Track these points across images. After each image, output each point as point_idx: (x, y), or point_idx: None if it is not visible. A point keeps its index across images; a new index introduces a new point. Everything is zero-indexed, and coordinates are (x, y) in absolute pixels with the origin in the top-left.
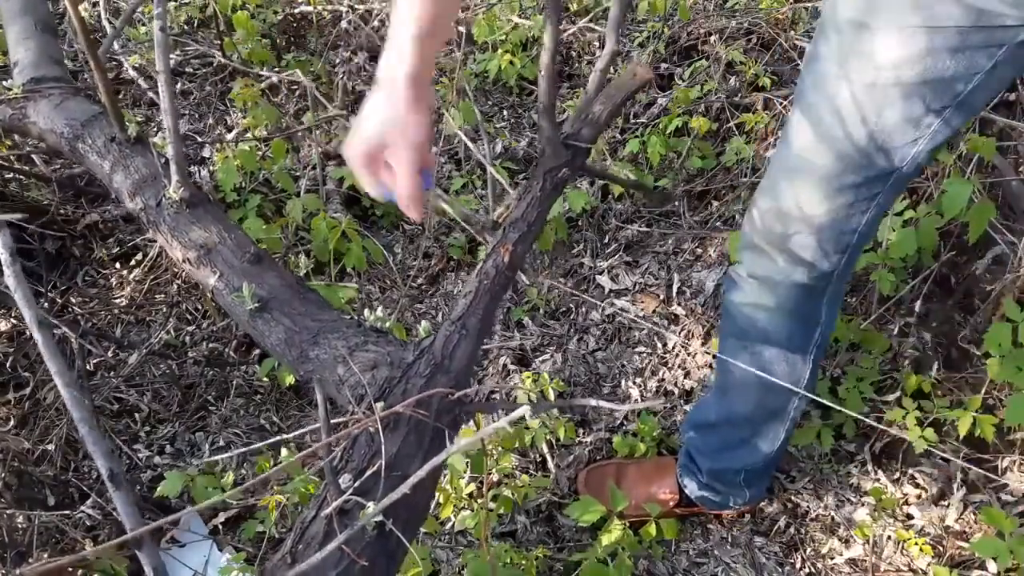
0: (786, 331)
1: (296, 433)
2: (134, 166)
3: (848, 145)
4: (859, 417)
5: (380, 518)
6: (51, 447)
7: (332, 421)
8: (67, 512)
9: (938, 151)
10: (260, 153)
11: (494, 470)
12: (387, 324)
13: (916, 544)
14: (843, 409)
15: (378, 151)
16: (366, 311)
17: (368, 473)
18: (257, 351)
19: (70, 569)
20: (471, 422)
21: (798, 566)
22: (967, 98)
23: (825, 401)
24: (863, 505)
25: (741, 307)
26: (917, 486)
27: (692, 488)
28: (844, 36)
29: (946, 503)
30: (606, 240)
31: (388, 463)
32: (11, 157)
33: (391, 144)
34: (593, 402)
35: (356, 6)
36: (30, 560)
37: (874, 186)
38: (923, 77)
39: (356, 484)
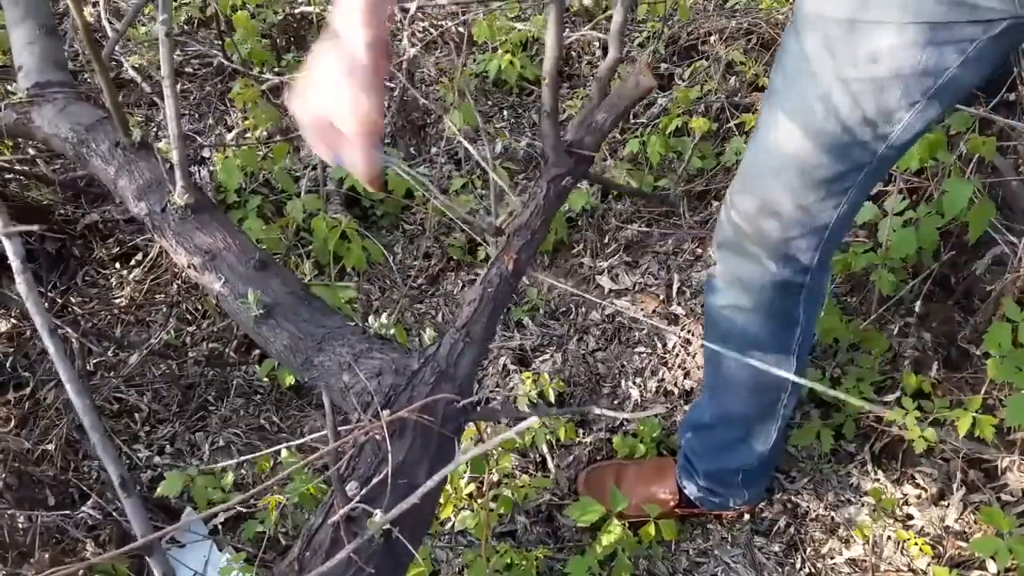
0: (766, 332)
1: (301, 440)
2: (138, 171)
3: (819, 140)
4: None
5: (387, 526)
6: (51, 447)
7: (338, 428)
8: (68, 512)
9: (909, 147)
10: (261, 154)
11: (494, 470)
12: (391, 331)
13: (916, 544)
14: (819, 385)
15: (329, 121)
16: (371, 318)
17: (374, 480)
18: (257, 351)
19: None
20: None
21: (798, 566)
22: (937, 93)
23: (812, 384)
24: (863, 505)
25: (720, 310)
26: (917, 486)
27: (691, 489)
28: (821, 32)
29: (946, 503)
30: (606, 240)
31: (394, 470)
32: (12, 159)
33: (344, 120)
34: (597, 410)
35: None
36: (31, 560)
37: (845, 181)
38: (895, 72)
39: (363, 492)
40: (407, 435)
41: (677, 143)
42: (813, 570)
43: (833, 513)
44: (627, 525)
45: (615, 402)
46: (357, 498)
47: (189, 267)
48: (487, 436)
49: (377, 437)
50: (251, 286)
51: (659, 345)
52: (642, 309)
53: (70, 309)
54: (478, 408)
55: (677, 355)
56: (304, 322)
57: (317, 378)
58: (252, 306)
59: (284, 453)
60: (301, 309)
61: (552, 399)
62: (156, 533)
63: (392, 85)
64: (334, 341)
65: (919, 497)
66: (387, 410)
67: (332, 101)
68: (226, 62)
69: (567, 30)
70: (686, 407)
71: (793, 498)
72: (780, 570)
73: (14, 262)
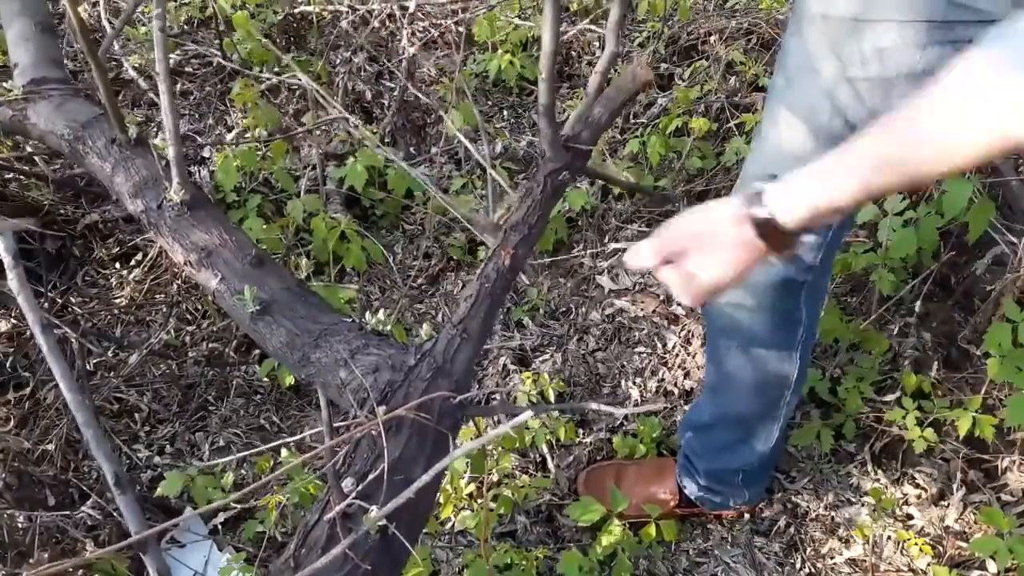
0: (768, 330)
1: (298, 437)
2: (135, 168)
3: (823, 139)
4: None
5: (383, 522)
6: (51, 447)
7: (334, 424)
8: (67, 512)
9: None
10: (260, 153)
11: (494, 470)
12: (388, 327)
13: (916, 544)
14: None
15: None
16: (367, 314)
17: (371, 477)
18: (257, 351)
19: (70, 569)
20: (471, 423)
21: (798, 566)
22: None
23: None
24: (863, 505)
25: (723, 308)
26: (917, 486)
27: (692, 489)
28: (825, 31)
29: (946, 503)
30: (606, 240)
31: (390, 467)
32: (11, 157)
33: (700, 266)
34: (593, 405)
35: (356, 6)
36: (30, 560)
37: None
38: (896, 71)
39: (359, 488)
40: (403, 431)
41: (677, 143)
42: (813, 570)
43: (833, 513)
44: (627, 525)
45: (615, 402)
46: (353, 494)
47: (185, 264)
48: (486, 434)
49: (373, 433)
50: (247, 282)
51: (659, 345)
52: (642, 309)
53: (70, 309)
54: (475, 404)
55: (677, 355)
56: (301, 318)
57: (314, 374)
58: (248, 302)
59: (284, 453)
60: (298, 305)
61: (552, 399)
62: (150, 530)
63: (392, 85)
64: (331, 337)
65: (919, 497)
66: (383, 406)
67: (696, 249)
68: (225, 63)
69: (565, 27)
70: (686, 407)
71: (793, 498)
72: (780, 570)
73: (5, 257)
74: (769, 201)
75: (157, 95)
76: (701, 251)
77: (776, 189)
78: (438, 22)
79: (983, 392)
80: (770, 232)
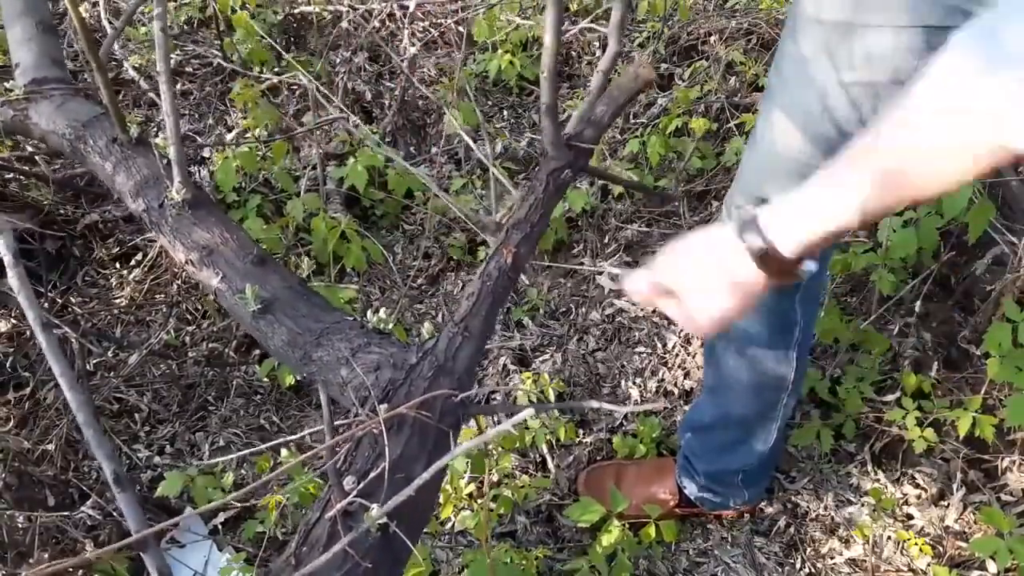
0: (764, 331)
1: (300, 435)
2: (136, 167)
3: (816, 142)
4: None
5: (384, 520)
6: (51, 447)
7: (335, 423)
8: (67, 512)
9: None
10: (260, 153)
11: (494, 470)
12: (389, 326)
13: (916, 544)
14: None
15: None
16: (368, 313)
17: (372, 475)
18: (257, 351)
19: (70, 569)
20: (472, 422)
21: (798, 566)
22: None
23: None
24: (863, 505)
25: None
26: (917, 486)
27: (691, 489)
28: (819, 35)
29: (946, 503)
30: (606, 240)
31: (392, 465)
32: (11, 157)
33: (699, 310)
34: (595, 404)
35: (356, 6)
36: (30, 560)
37: None
38: (892, 76)
39: (360, 486)
40: (405, 430)
41: (677, 143)
42: (813, 570)
43: (833, 513)
44: (627, 525)
45: (615, 402)
46: (354, 492)
47: (187, 263)
48: (487, 433)
49: (375, 432)
50: (249, 281)
51: (659, 345)
52: (642, 309)
53: (70, 309)
54: (477, 403)
55: (677, 355)
56: (303, 317)
57: (315, 373)
58: (250, 301)
59: (284, 452)
60: (299, 304)
61: (552, 399)
62: (150, 529)
63: (392, 85)
64: (332, 336)
65: (919, 497)
66: (385, 404)
67: (694, 286)
68: (224, 63)
69: (566, 26)
70: (686, 407)
71: (793, 498)
72: (780, 570)
73: (6, 256)
74: (765, 228)
75: (157, 95)
76: (703, 285)
77: (770, 214)
78: (438, 22)
79: (983, 392)
80: (769, 260)
